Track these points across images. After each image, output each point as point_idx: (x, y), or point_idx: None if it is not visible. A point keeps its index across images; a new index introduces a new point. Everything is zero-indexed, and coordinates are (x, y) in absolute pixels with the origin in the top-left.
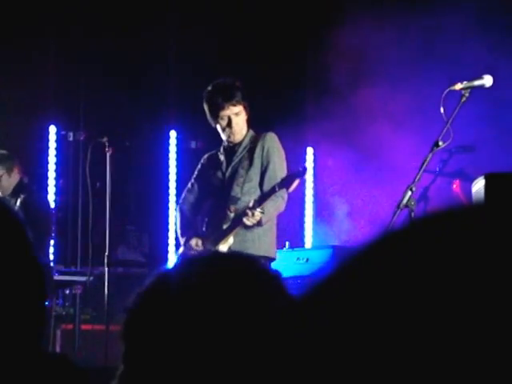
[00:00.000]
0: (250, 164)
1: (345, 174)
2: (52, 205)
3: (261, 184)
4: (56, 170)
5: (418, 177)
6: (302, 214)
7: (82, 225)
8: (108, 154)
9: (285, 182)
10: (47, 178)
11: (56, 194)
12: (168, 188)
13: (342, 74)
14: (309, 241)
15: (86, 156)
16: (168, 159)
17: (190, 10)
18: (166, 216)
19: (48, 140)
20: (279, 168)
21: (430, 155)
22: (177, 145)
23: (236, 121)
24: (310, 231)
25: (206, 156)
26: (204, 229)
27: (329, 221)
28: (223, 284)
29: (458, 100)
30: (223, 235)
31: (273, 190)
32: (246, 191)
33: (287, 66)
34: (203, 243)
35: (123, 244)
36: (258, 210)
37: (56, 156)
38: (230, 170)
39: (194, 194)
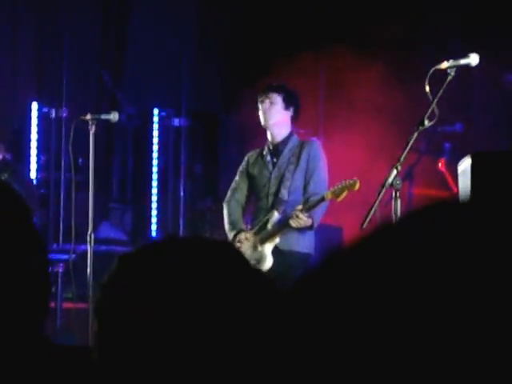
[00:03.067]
0: (296, 167)
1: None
2: (34, 182)
3: (305, 187)
4: (38, 147)
5: (404, 156)
6: None
7: (64, 202)
8: (91, 132)
9: (336, 193)
10: (29, 154)
11: (37, 170)
12: (152, 167)
13: None
14: None
15: (69, 134)
16: (152, 137)
17: None
18: (150, 193)
19: (30, 117)
20: (324, 174)
21: (416, 134)
22: (159, 122)
23: (268, 107)
24: None
25: (250, 154)
26: (250, 227)
27: None
28: (206, 270)
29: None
30: (270, 234)
31: (322, 199)
32: (292, 193)
33: None
34: (252, 238)
35: (106, 221)
36: (306, 215)
37: (38, 133)
38: (276, 170)
39: (241, 192)
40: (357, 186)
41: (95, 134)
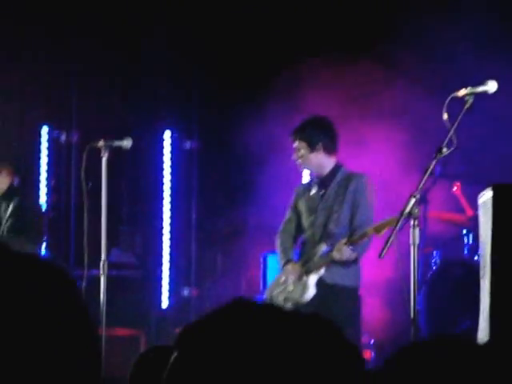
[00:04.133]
0: (343, 200)
1: None
2: (44, 206)
3: (351, 220)
4: (48, 171)
5: (422, 184)
6: None
7: (74, 227)
8: (104, 159)
9: (377, 229)
10: (38, 179)
11: (48, 194)
12: (163, 189)
13: None
14: None
15: (81, 159)
16: (163, 159)
17: (178, 8)
18: (161, 217)
19: (40, 141)
20: (369, 208)
21: (434, 162)
22: (171, 144)
23: (302, 156)
24: None
25: (299, 187)
26: (298, 258)
27: None
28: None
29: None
30: (316, 266)
31: (364, 234)
32: (339, 225)
33: None
34: (299, 269)
35: (116, 246)
36: (350, 248)
37: (48, 157)
38: (323, 202)
39: (291, 224)
40: (399, 225)
41: (107, 161)
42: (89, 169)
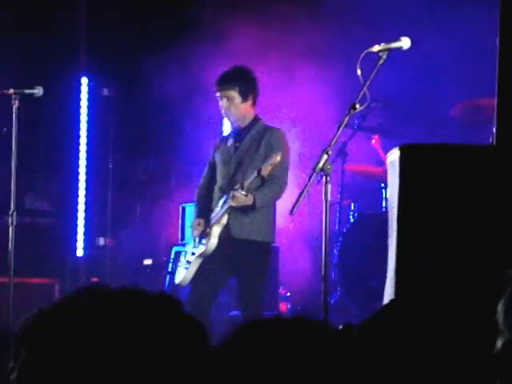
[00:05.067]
0: (255, 153)
1: None
2: None
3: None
4: None
5: (335, 140)
6: None
7: None
8: (14, 107)
9: (258, 171)
10: None
11: None
12: (79, 136)
13: None
14: None
15: None
16: (79, 106)
17: None
18: (77, 164)
19: None
20: (282, 162)
21: (347, 118)
22: (88, 92)
23: (226, 104)
24: None
25: (217, 140)
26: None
27: None
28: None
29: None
30: (217, 217)
31: (257, 173)
32: (248, 178)
33: None
34: (206, 223)
35: (31, 192)
36: (242, 192)
37: None
38: (236, 155)
39: (207, 178)
40: (278, 159)
41: (19, 108)
42: (4, 118)
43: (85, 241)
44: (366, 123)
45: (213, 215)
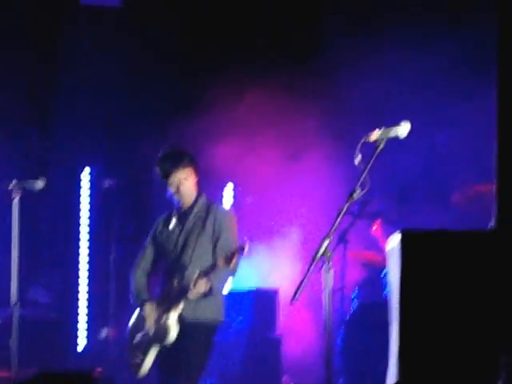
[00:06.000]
0: (200, 232)
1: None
2: None
3: (214, 252)
4: None
5: (335, 226)
6: None
7: None
8: (15, 200)
9: (226, 259)
10: None
11: None
12: (79, 225)
13: None
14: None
15: None
16: (79, 197)
17: None
18: (77, 254)
19: None
20: (232, 240)
21: (347, 205)
22: (90, 181)
23: (184, 185)
24: None
25: (159, 220)
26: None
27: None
28: None
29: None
30: (173, 303)
31: (214, 266)
32: (195, 259)
33: None
34: (156, 309)
35: (36, 283)
36: (204, 279)
37: None
38: (182, 236)
39: (148, 259)
40: (246, 249)
41: (21, 199)
42: (5, 211)
43: (87, 333)
44: (367, 209)
45: (166, 302)
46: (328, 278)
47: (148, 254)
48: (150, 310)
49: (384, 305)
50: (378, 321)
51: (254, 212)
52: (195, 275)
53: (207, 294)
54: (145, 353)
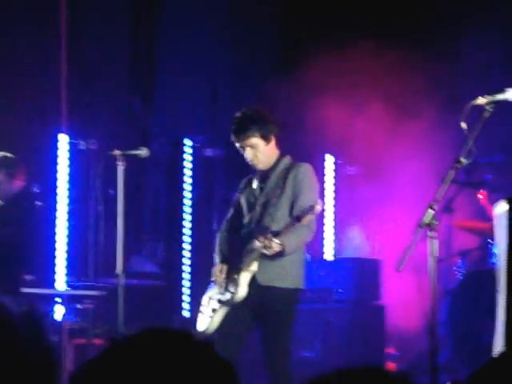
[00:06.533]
0: (282, 192)
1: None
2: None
3: (291, 213)
4: (69, 180)
5: (440, 194)
6: (320, 226)
7: (93, 235)
8: (120, 168)
9: (297, 218)
10: (55, 186)
11: (69, 203)
12: (184, 197)
13: None
14: (329, 253)
15: (98, 168)
16: (183, 168)
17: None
18: (181, 226)
19: (56, 149)
20: (309, 199)
21: (453, 172)
22: (192, 153)
23: (252, 153)
24: (330, 243)
25: (243, 181)
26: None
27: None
28: None
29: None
30: (246, 264)
31: (288, 225)
32: (277, 220)
33: None
34: (228, 270)
35: (137, 254)
36: (276, 240)
37: (69, 166)
38: (262, 196)
39: (230, 222)
40: (317, 208)
41: (125, 168)
42: (111, 178)
43: (190, 302)
44: (473, 178)
45: (241, 262)
46: (433, 247)
47: (232, 214)
48: (219, 271)
49: (491, 274)
50: (485, 290)
51: (358, 183)
52: (268, 235)
53: (281, 254)
54: (214, 310)
